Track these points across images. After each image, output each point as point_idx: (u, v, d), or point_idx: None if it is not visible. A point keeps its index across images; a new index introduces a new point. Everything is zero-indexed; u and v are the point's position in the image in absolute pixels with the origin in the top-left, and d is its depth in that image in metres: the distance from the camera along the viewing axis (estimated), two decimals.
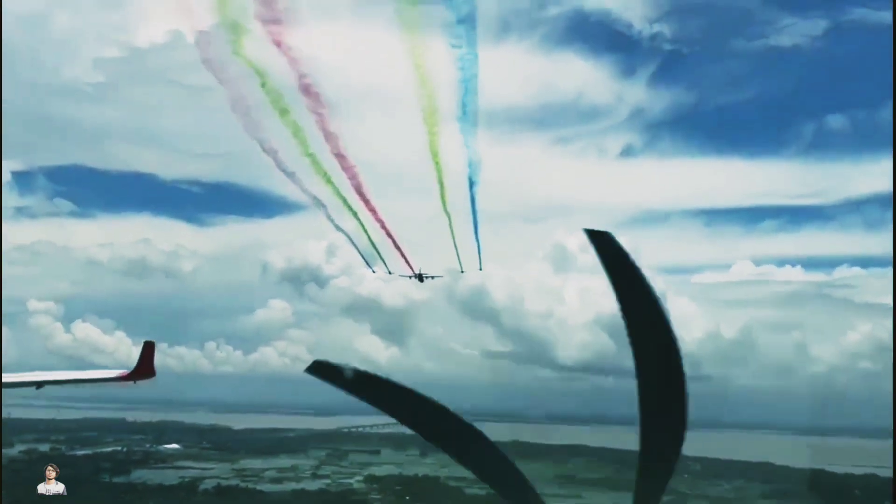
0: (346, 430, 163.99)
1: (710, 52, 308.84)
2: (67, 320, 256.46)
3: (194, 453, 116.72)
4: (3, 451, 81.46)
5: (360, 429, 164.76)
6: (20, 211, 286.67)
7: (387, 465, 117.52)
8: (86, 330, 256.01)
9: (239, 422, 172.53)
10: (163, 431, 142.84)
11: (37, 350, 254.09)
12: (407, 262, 50.93)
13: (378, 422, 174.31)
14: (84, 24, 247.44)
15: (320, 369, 6.16)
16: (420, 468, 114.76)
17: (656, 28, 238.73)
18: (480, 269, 52.38)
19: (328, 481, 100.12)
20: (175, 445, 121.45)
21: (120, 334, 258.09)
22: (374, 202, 47.52)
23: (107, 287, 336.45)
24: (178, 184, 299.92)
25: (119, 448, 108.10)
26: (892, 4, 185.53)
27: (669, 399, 5.86)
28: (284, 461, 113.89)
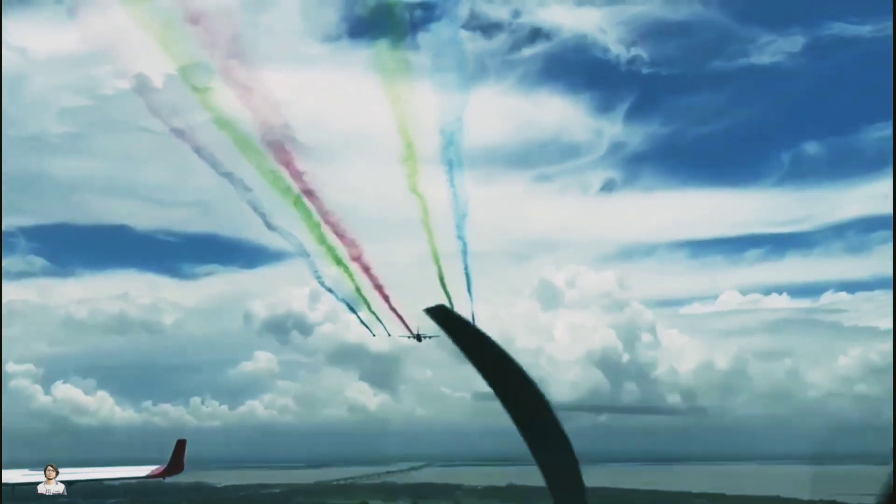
0: (335, 482, 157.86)
1: (689, 74, 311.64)
2: (48, 382, 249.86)
3: None
4: None
5: (349, 480, 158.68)
6: None
7: None
8: (66, 391, 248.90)
9: (224, 478, 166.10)
10: (141, 493, 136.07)
11: (18, 413, 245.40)
12: (404, 323, 50.92)
13: (367, 472, 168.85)
14: (49, 76, 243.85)
15: (439, 313, 6.47)
16: None
17: (633, 52, 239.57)
18: None
19: None
20: None
21: (102, 394, 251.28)
22: (366, 258, 47.85)
23: (87, 345, 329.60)
24: (154, 234, 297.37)
25: None
26: (892, 21, 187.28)
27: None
28: None
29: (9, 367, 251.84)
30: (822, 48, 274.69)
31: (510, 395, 6.53)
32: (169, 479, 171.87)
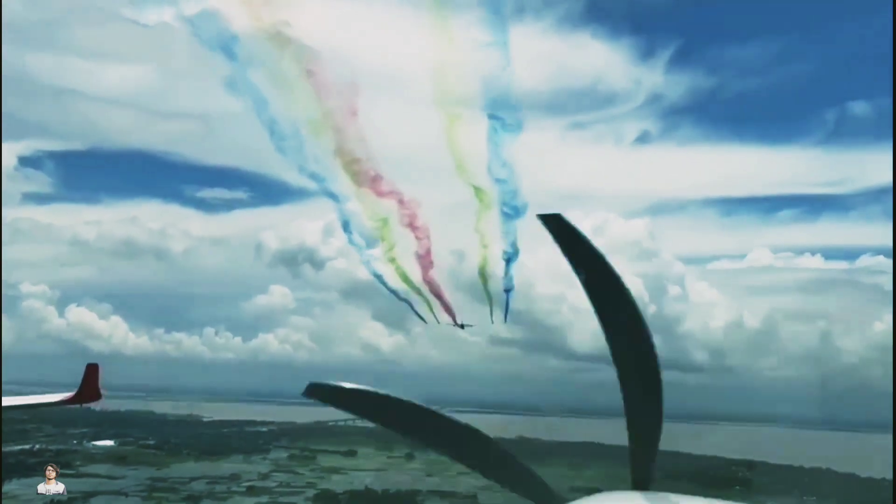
0: (331, 423, 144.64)
1: None
2: (62, 304, 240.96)
3: (126, 452, 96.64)
4: None
5: (347, 422, 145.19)
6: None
7: (358, 472, 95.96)
8: (81, 314, 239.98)
9: (220, 412, 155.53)
10: (115, 422, 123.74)
11: (30, 335, 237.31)
12: (450, 312, 51.43)
13: None
14: None
15: (317, 392, 6.13)
16: (401, 476, 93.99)
17: None
18: (505, 322, 52.82)
19: (266, 499, 78.00)
20: (109, 442, 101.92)
21: (116, 319, 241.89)
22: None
23: (100, 270, 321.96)
24: (158, 154, 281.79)
25: (27, 446, 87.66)
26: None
27: (646, 384, 6.16)
28: (230, 466, 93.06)
29: (24, 287, 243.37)
30: None
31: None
32: (160, 410, 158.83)
